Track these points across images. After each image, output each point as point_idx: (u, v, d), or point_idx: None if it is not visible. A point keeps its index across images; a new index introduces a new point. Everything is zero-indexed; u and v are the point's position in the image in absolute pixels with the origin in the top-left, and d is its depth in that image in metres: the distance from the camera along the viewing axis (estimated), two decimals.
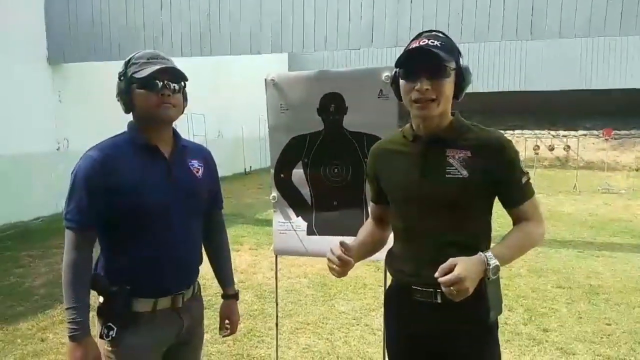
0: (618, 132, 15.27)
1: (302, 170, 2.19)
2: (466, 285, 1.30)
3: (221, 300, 1.96)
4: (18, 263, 5.67)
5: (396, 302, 1.68)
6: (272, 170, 2.23)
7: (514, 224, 1.55)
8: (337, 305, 4.33)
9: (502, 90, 17.05)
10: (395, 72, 1.54)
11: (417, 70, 1.44)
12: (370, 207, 1.85)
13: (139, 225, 1.60)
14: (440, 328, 1.54)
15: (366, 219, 2.29)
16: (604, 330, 3.80)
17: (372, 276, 4.99)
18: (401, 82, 1.51)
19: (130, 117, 1.68)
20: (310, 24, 6.94)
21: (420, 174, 1.54)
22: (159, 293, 1.66)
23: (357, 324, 3.92)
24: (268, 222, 2.26)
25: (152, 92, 1.57)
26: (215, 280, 1.97)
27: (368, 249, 1.75)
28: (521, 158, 1.50)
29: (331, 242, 2.29)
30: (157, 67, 1.57)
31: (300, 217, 2.23)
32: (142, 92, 1.57)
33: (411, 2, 6.47)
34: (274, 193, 2.24)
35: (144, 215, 1.60)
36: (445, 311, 1.51)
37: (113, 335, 1.57)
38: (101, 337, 1.58)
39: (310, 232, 2.23)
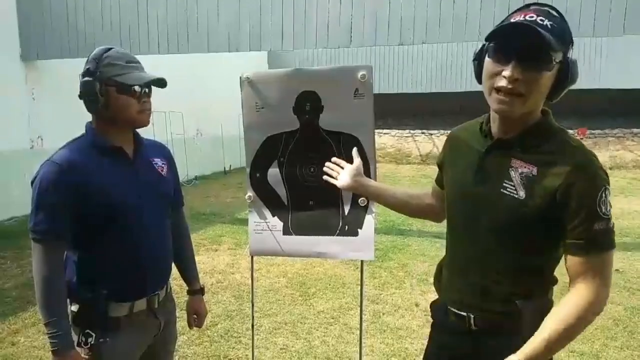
0: (592, 131, 15.55)
1: (277, 170, 2.18)
2: None
3: None
4: None
5: (437, 319, 1.50)
6: (248, 170, 2.21)
7: (570, 279, 1.23)
8: (316, 304, 4.32)
9: (479, 90, 17.25)
10: (484, 46, 1.22)
11: (511, 52, 1.12)
12: (433, 185, 1.61)
13: (113, 228, 1.58)
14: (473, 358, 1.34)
15: (343, 218, 2.29)
16: None
17: (350, 275, 4.99)
18: (487, 60, 1.20)
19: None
20: (289, 22, 6.92)
21: (474, 179, 1.28)
22: (136, 295, 1.64)
23: (335, 323, 3.92)
24: (247, 222, 2.25)
25: (134, 98, 1.56)
26: None
27: (397, 199, 1.61)
28: (611, 203, 1.11)
29: (307, 242, 2.29)
30: (149, 78, 1.57)
31: (276, 217, 2.22)
32: (123, 97, 1.55)
33: (390, 2, 6.50)
34: (250, 193, 2.22)
35: (117, 218, 1.57)
36: (478, 339, 1.32)
37: (92, 342, 1.55)
38: (79, 345, 1.54)
39: (286, 232, 2.22)
